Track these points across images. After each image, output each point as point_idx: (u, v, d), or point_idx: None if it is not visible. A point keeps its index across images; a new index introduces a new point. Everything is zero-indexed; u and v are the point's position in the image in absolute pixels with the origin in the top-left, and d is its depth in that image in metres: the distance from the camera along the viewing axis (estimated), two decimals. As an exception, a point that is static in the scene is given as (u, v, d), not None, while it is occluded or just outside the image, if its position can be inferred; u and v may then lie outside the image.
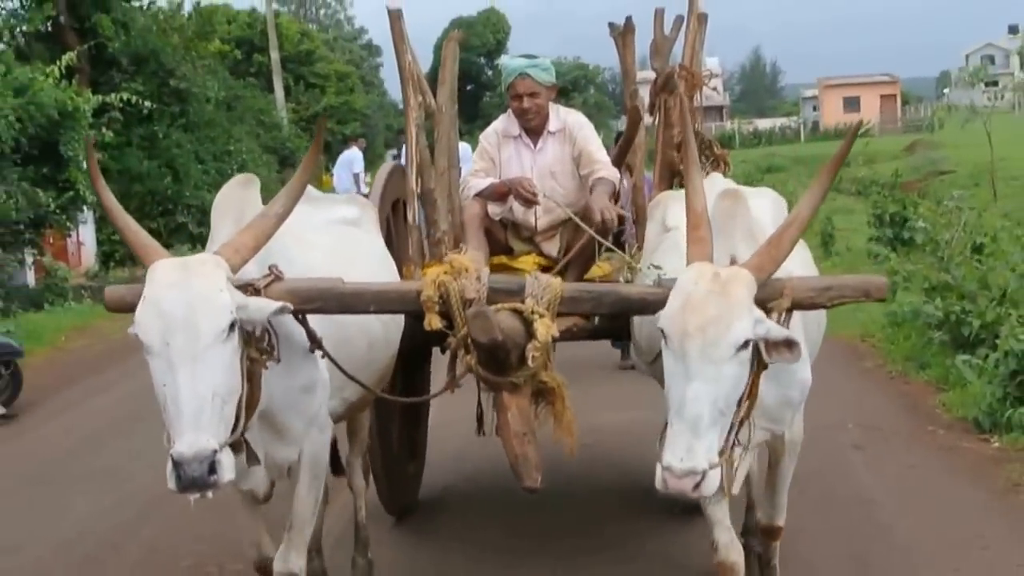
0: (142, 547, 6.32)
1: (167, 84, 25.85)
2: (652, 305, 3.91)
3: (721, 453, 3.47)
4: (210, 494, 3.40)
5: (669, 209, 4.95)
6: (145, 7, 28.07)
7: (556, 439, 4.46)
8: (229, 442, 3.48)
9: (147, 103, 21.51)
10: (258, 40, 37.77)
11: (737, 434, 3.61)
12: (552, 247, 5.77)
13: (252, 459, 3.81)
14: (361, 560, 5.48)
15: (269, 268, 3.88)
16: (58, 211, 15.75)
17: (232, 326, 3.48)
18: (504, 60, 5.88)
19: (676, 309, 3.50)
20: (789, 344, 3.52)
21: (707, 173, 5.69)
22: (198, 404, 3.36)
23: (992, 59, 78.97)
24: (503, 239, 5.81)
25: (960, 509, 6.52)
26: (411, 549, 5.98)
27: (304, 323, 3.95)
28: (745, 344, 3.45)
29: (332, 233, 4.77)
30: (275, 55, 36.55)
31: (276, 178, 29.03)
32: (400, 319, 4.86)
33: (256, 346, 3.70)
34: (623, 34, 5.93)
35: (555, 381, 4.30)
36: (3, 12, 22.97)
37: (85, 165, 17.63)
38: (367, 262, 4.78)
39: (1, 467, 8.55)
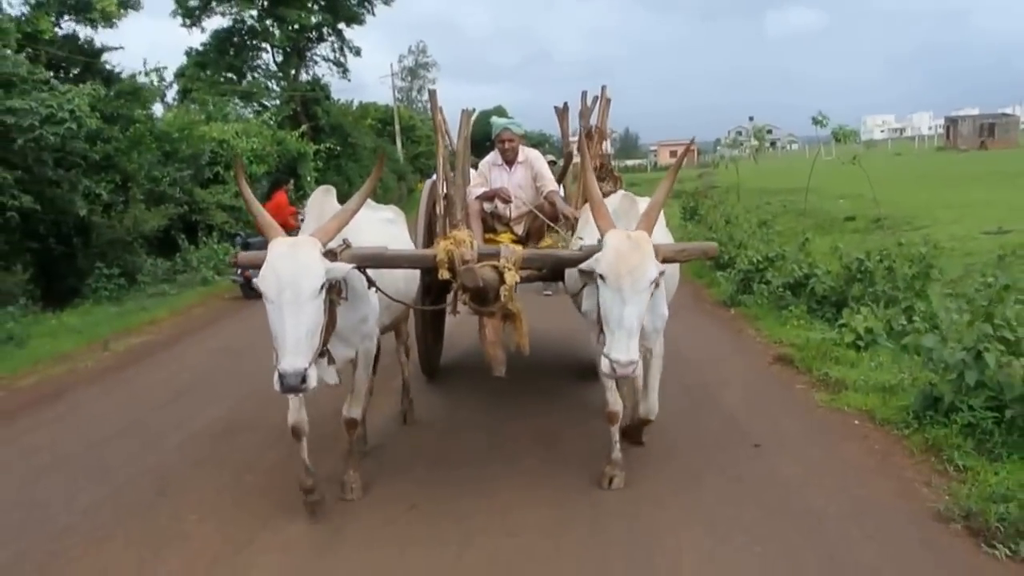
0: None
1: (347, 140, 25.55)
2: (575, 261, 3.45)
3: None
4: (301, 396, 2.92)
5: (588, 210, 4.25)
6: (337, 103, 28.22)
7: (516, 344, 3.87)
8: (314, 359, 2.88)
9: (338, 148, 21.93)
10: (388, 119, 37.30)
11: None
12: (520, 228, 5.25)
13: (331, 361, 3.26)
14: (407, 400, 4.83)
15: (343, 240, 3.29)
16: (296, 200, 15.71)
17: (322, 287, 2.93)
18: (494, 119, 5.30)
19: (612, 261, 3.01)
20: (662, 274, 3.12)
21: (614, 188, 5.25)
22: (296, 338, 2.80)
23: (740, 132, 78.17)
24: (491, 223, 5.27)
25: (715, 337, 6.83)
26: (438, 394, 5.48)
27: (364, 273, 3.39)
28: (655, 280, 3.04)
29: (379, 225, 4.07)
30: (397, 127, 36.33)
31: (395, 186, 28.75)
32: (417, 272, 4.24)
33: (336, 290, 3.14)
34: (561, 112, 5.51)
35: (517, 309, 3.76)
36: (271, 107, 23.17)
37: (309, 178, 17.76)
38: (396, 241, 4.09)
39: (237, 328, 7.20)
